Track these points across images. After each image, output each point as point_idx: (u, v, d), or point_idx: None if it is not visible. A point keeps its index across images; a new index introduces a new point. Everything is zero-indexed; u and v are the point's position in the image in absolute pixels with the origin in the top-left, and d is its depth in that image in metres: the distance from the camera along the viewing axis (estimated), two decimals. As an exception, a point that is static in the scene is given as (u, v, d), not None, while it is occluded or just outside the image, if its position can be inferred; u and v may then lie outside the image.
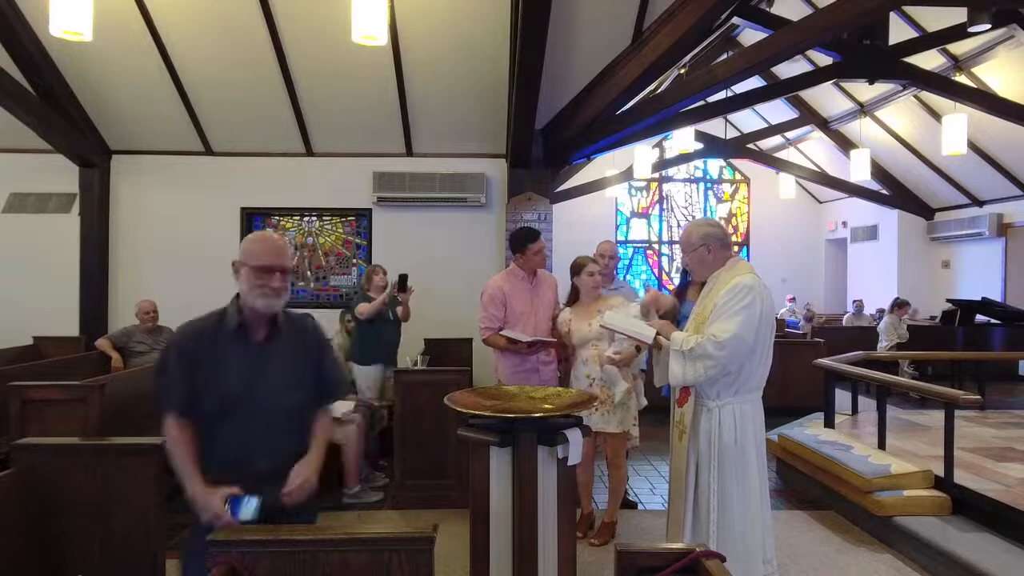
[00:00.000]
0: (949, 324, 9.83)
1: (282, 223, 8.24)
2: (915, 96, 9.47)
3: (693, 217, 14.41)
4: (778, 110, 11.94)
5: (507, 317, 4.13)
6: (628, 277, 14.15)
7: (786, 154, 12.98)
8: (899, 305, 9.26)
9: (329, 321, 6.21)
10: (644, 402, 4.19)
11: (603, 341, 3.91)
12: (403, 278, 5.43)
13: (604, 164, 10.99)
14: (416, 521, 4.36)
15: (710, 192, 14.97)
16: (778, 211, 14.41)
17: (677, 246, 13.12)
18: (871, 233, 12.97)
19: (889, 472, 4.25)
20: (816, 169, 13.00)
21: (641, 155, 9.58)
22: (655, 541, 3.65)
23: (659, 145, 12.52)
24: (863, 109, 10.54)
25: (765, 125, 12.51)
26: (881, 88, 9.23)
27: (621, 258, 13.77)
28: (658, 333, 2.95)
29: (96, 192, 7.70)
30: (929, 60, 8.07)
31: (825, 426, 5.58)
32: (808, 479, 4.99)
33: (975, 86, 8.33)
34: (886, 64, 7.16)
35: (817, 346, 7.89)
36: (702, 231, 2.97)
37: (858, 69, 7.15)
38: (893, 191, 12.06)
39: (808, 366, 6.05)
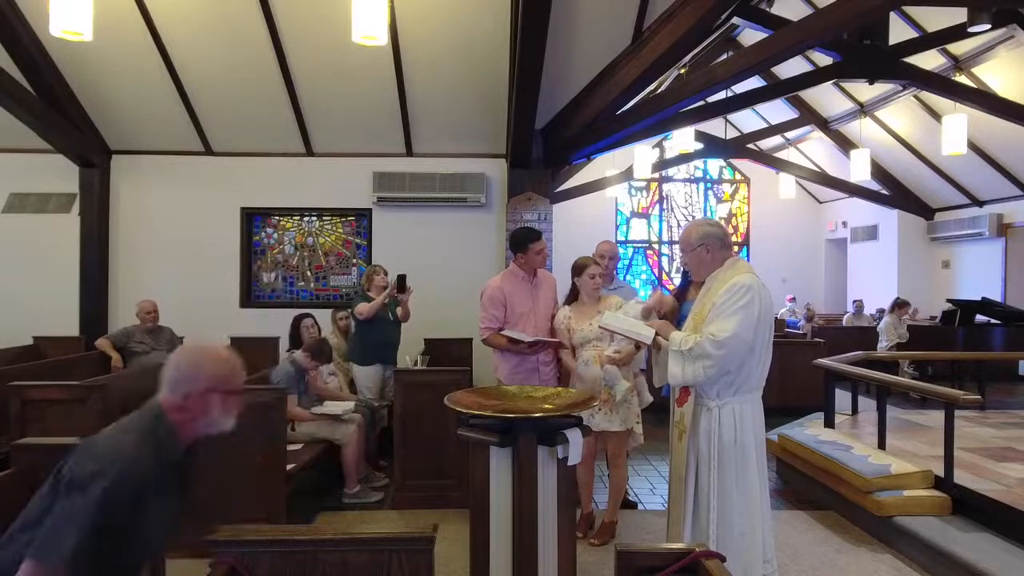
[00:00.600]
0: (949, 324, 9.82)
1: (282, 223, 8.24)
2: (915, 96, 9.47)
3: (693, 217, 14.41)
4: (778, 110, 11.93)
5: (508, 317, 4.13)
6: (628, 277, 14.14)
7: (786, 154, 12.98)
8: (899, 305, 9.26)
9: (329, 321, 6.23)
10: (649, 398, 4.18)
11: (603, 341, 3.92)
12: (402, 279, 5.43)
13: (604, 164, 10.99)
14: (416, 521, 4.35)
15: (710, 192, 14.97)
16: (778, 211, 14.41)
17: (677, 246, 13.11)
18: (871, 233, 12.97)
19: (889, 472, 4.24)
20: (816, 169, 13.00)
21: (641, 155, 9.58)
22: (655, 541, 3.66)
23: (659, 145, 12.52)
24: (863, 109, 10.53)
25: (765, 125, 12.51)
26: (881, 88, 9.23)
27: (621, 258, 13.77)
28: (657, 333, 2.95)
29: (96, 192, 7.70)
30: (929, 60, 8.07)
31: (825, 426, 5.58)
32: (808, 479, 4.99)
33: (975, 86, 8.32)
34: (886, 64, 7.16)
35: (817, 346, 7.89)
36: (701, 231, 2.97)
37: (858, 69, 7.14)
38: (893, 191, 12.06)
39: (808, 366, 6.04)
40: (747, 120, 13.03)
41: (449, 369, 5.07)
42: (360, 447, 4.91)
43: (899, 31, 7.73)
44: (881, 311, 10.40)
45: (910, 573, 3.71)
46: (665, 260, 14.79)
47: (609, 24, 6.32)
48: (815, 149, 13.05)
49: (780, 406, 6.36)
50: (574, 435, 2.68)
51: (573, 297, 4.17)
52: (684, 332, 2.89)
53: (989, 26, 6.82)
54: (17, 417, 4.15)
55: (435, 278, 7.40)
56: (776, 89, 8.69)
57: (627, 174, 10.96)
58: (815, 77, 7.77)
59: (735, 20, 7.45)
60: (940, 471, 4.21)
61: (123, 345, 6.10)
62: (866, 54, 7.09)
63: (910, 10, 7.88)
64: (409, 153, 7.96)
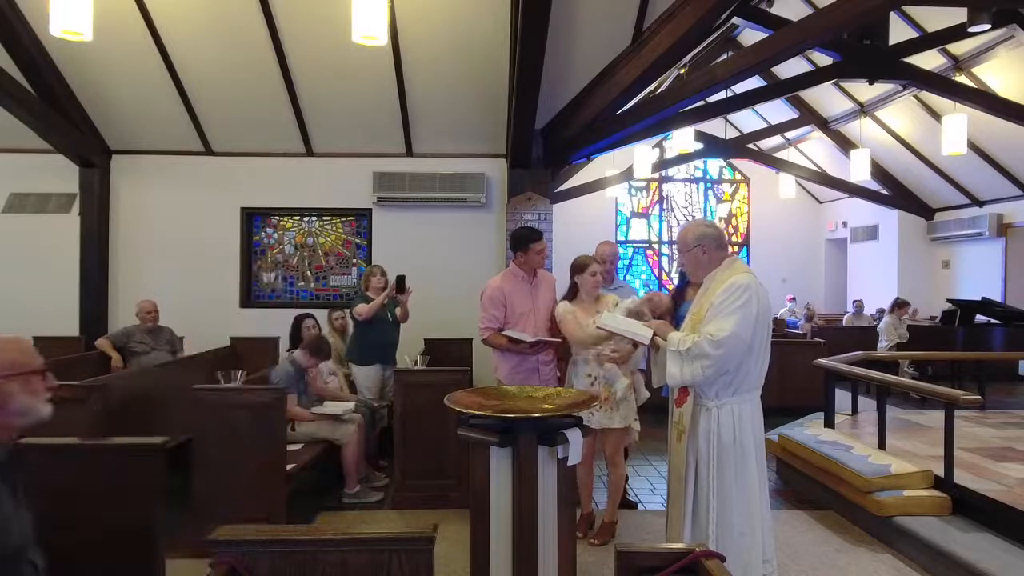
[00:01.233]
0: (949, 324, 9.82)
1: (282, 223, 8.24)
2: (915, 96, 9.47)
3: (693, 217, 14.41)
4: (778, 110, 11.94)
5: (508, 317, 4.14)
6: (628, 277, 14.15)
7: (786, 154, 12.98)
8: (899, 305, 9.27)
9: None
10: (646, 394, 4.18)
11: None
12: (401, 279, 5.42)
13: (604, 164, 10.99)
14: (416, 521, 4.35)
15: (710, 192, 14.97)
16: (778, 211, 14.41)
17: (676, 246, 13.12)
18: (871, 233, 12.97)
19: (889, 472, 4.24)
20: (816, 169, 13.00)
21: (641, 155, 9.58)
22: (655, 541, 3.66)
23: (659, 145, 12.52)
24: (863, 109, 10.54)
25: (765, 125, 12.51)
26: (881, 88, 9.23)
27: (621, 258, 13.77)
28: (656, 333, 2.95)
29: (96, 192, 7.70)
30: (929, 60, 8.07)
31: (825, 426, 5.58)
32: (808, 479, 4.99)
33: (975, 86, 8.33)
34: (886, 64, 7.16)
35: (817, 346, 7.88)
36: (697, 232, 2.98)
37: (858, 69, 7.15)
38: (893, 191, 12.06)
39: (808, 366, 6.04)
40: (747, 120, 13.03)
41: (449, 369, 5.06)
42: (360, 447, 4.91)
43: (899, 31, 7.73)
44: (881, 311, 10.40)
45: (910, 573, 3.71)
46: (665, 260, 14.80)
47: (609, 24, 6.32)
48: (815, 149, 13.05)
49: (780, 406, 6.36)
50: (574, 435, 2.68)
51: (572, 295, 4.17)
52: (682, 332, 2.89)
53: (989, 26, 6.82)
54: (17, 417, 4.14)
55: (435, 278, 7.41)
56: (776, 89, 8.69)
57: (627, 174, 10.96)
58: (815, 77, 7.77)
59: (735, 20, 7.45)
60: (940, 471, 4.21)
61: (123, 345, 6.10)
62: (866, 54, 7.09)
63: (910, 10, 7.89)
64: (409, 153, 7.96)
